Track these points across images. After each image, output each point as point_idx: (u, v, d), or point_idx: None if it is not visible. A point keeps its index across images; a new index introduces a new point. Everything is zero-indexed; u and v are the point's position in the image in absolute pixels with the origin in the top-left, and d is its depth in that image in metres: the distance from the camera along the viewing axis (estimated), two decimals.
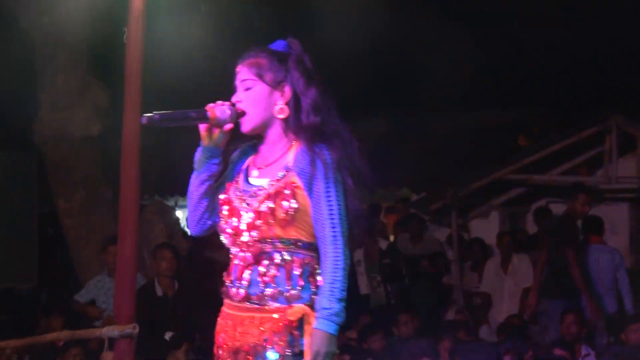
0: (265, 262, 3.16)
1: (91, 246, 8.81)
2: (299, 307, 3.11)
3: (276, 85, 3.21)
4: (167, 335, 7.13)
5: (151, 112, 3.22)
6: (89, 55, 9.11)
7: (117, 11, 6.17)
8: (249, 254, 3.18)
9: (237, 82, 3.26)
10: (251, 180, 3.24)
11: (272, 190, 3.16)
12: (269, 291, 3.14)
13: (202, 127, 3.23)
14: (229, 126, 3.22)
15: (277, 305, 3.13)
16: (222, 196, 3.25)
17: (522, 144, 12.26)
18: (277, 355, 3.11)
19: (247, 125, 3.23)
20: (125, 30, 5.54)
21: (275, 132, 3.23)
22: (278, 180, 3.17)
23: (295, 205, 3.13)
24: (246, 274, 3.18)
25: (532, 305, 8.35)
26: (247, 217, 3.17)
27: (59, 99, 9.16)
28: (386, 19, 10.35)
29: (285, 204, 3.13)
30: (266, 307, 3.14)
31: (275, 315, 3.13)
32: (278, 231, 3.14)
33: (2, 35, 9.16)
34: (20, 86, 9.71)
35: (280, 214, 3.13)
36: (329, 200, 3.11)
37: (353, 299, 9.21)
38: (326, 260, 3.10)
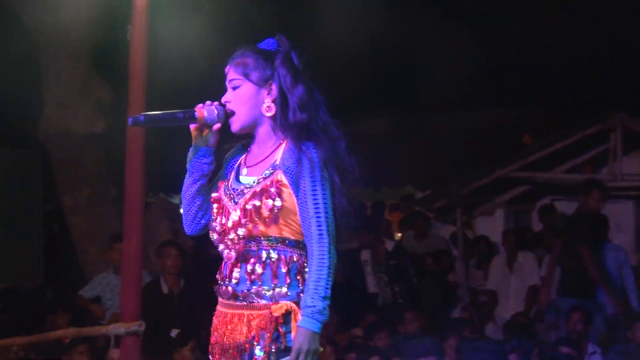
0: (252, 260, 3.18)
1: (96, 244, 8.82)
2: (283, 303, 3.13)
3: (263, 83, 3.22)
4: (174, 333, 7.14)
5: (151, 111, 3.25)
6: (93, 53, 9.12)
7: (121, 9, 6.17)
8: (235, 252, 3.20)
9: (227, 83, 3.29)
10: (241, 178, 3.26)
11: (258, 189, 3.17)
12: (255, 289, 3.17)
13: (192, 127, 3.26)
14: (217, 126, 3.24)
15: (264, 302, 3.16)
16: (213, 194, 3.28)
17: (526, 142, 12.26)
18: (262, 353, 3.14)
19: (235, 125, 3.25)
20: (129, 28, 5.55)
21: (264, 131, 3.25)
22: (264, 178, 3.18)
23: (279, 204, 3.14)
24: (235, 272, 3.20)
25: (544, 303, 8.33)
26: (234, 215, 3.20)
27: (63, 97, 9.17)
28: (386, 19, 10.35)
29: (269, 202, 3.14)
30: (253, 304, 3.17)
31: (262, 312, 3.15)
32: (264, 229, 3.16)
33: (6, 34, 9.16)
34: (24, 84, 9.71)
35: (265, 212, 3.14)
36: (315, 198, 3.12)
37: (361, 297, 9.21)
38: (312, 259, 3.11)
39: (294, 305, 3.12)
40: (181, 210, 3.41)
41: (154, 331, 6.33)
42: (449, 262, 10.05)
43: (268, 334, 3.13)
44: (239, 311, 3.19)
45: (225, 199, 3.23)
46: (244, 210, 3.17)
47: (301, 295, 3.13)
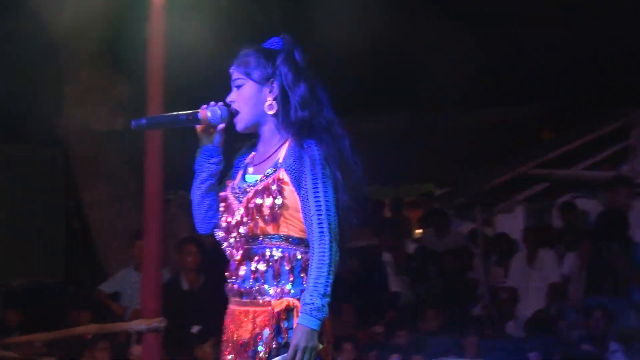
0: (256, 258, 3.20)
1: (116, 240, 8.85)
2: (285, 299, 3.15)
3: (264, 82, 3.24)
4: (195, 329, 7.16)
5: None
6: (112, 50, 9.15)
7: (139, 6, 6.18)
8: (240, 250, 3.23)
9: (232, 83, 3.31)
10: (247, 177, 3.28)
11: (260, 187, 3.20)
12: (258, 286, 3.19)
13: (198, 128, 3.29)
14: (221, 126, 3.27)
15: (267, 299, 3.18)
16: (221, 193, 3.31)
17: (546, 138, 12.21)
18: (262, 348, 3.16)
19: (240, 124, 3.28)
20: (147, 24, 5.56)
21: (268, 129, 3.27)
22: (267, 176, 3.20)
23: (279, 202, 3.15)
24: (240, 270, 3.23)
25: (577, 301, 8.29)
26: (237, 213, 3.23)
27: (83, 93, 9.20)
28: (402, 12, 10.35)
29: (269, 200, 3.16)
30: (257, 302, 3.19)
31: (265, 309, 3.17)
32: (266, 227, 3.18)
33: (25, 31, 9.21)
34: (44, 81, 9.76)
35: (266, 210, 3.16)
36: (317, 196, 3.13)
37: (382, 295, 9.18)
38: (313, 256, 3.12)
39: (296, 302, 3.13)
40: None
41: (174, 328, 6.34)
42: (469, 259, 10.04)
43: (270, 330, 3.15)
44: (245, 308, 3.22)
45: (231, 198, 3.26)
46: (246, 208, 3.20)
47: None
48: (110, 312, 7.87)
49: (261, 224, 3.17)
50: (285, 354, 3.10)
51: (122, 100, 9.20)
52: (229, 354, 3.27)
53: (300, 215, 3.16)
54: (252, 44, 3.31)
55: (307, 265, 3.17)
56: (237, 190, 3.26)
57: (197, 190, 3.33)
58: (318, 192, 3.12)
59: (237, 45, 3.35)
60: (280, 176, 3.18)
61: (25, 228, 9.18)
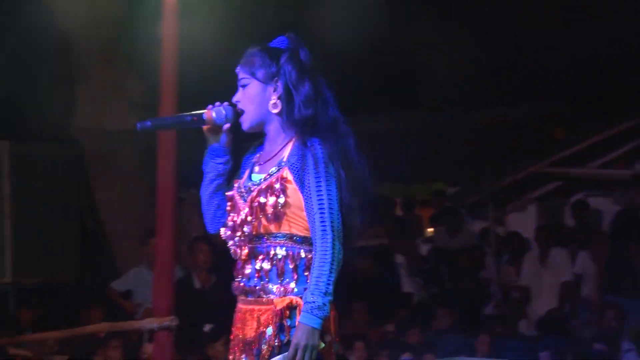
0: (261, 256, 3.21)
1: (130, 239, 8.88)
2: (287, 298, 3.16)
3: (269, 81, 3.24)
4: (207, 328, 7.17)
5: (153, 117, 3.31)
6: (125, 49, 9.17)
7: (153, 3, 6.20)
8: (245, 249, 3.24)
9: (238, 83, 3.32)
10: (253, 176, 3.29)
11: (263, 186, 3.20)
12: (263, 285, 3.20)
13: (205, 128, 3.31)
14: (226, 125, 3.28)
15: (271, 297, 3.19)
16: (228, 193, 3.32)
17: (559, 137, 12.19)
18: (265, 346, 3.17)
19: (245, 123, 3.29)
20: (161, 23, 5.57)
21: (273, 128, 3.27)
22: (271, 175, 3.21)
23: (282, 200, 3.16)
24: (246, 269, 3.24)
25: (596, 300, 8.28)
26: (242, 213, 3.24)
27: (96, 92, 9.24)
28: (414, 11, 10.36)
29: (272, 199, 3.17)
30: (262, 300, 3.21)
31: (269, 307, 3.18)
32: (270, 226, 3.19)
33: (39, 30, 9.24)
34: (58, 80, 9.80)
35: (269, 209, 3.17)
36: (319, 194, 3.13)
37: (394, 294, 9.17)
38: (315, 254, 3.13)
39: (299, 300, 3.13)
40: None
41: (186, 326, 6.36)
42: (481, 258, 10.03)
43: (273, 328, 3.16)
44: (250, 307, 3.23)
45: (237, 197, 3.27)
46: (250, 207, 3.21)
47: None
48: (122, 310, 7.90)
49: (265, 222, 3.18)
50: (286, 353, 3.10)
51: (135, 99, 9.23)
52: (236, 352, 3.28)
53: (304, 213, 3.16)
54: (258, 43, 3.32)
55: (311, 263, 3.17)
56: (242, 190, 3.27)
57: (205, 190, 3.34)
58: (321, 190, 3.12)
59: (250, 43, 3.36)
60: (284, 175, 3.18)
61: (38, 227, 9.20)
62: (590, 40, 10.89)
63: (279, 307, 3.15)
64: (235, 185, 3.32)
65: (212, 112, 3.28)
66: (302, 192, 3.16)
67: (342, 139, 3.22)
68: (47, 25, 9.23)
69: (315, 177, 3.14)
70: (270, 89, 3.25)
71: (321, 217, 3.11)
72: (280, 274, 3.18)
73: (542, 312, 8.91)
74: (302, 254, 3.18)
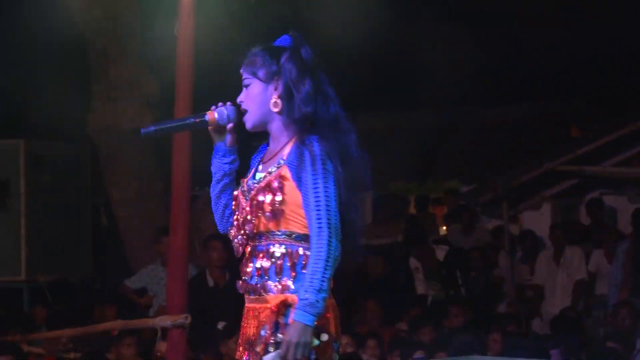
0: (261, 254, 3.22)
1: (144, 237, 8.90)
2: (282, 295, 3.16)
3: (269, 80, 3.26)
4: (220, 325, 7.19)
5: (158, 121, 3.33)
6: (140, 48, 9.19)
7: (169, 2, 6.21)
8: (247, 248, 3.25)
9: (242, 83, 3.34)
10: (257, 175, 3.31)
11: (262, 184, 3.22)
12: (263, 283, 3.21)
13: (210, 129, 3.33)
14: (230, 125, 3.30)
15: (270, 295, 3.20)
16: (234, 192, 3.34)
17: (574, 135, 12.15)
18: (261, 344, 3.19)
19: (248, 123, 3.30)
20: (176, 23, 5.58)
21: (276, 127, 3.28)
22: (270, 174, 3.23)
23: (279, 198, 3.17)
24: (248, 267, 3.26)
25: (624, 299, 8.24)
26: (244, 211, 3.25)
27: (111, 91, 9.27)
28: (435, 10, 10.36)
29: (269, 197, 3.19)
30: (262, 298, 3.22)
31: (267, 305, 3.19)
32: (269, 224, 3.20)
33: (53, 27, 9.28)
34: (73, 79, 9.83)
35: (268, 207, 3.18)
36: (316, 192, 3.13)
37: (407, 294, 9.10)
38: (311, 251, 3.13)
39: (294, 298, 3.13)
40: None
41: (200, 324, 6.37)
42: (495, 256, 10.01)
43: (268, 326, 3.18)
44: (252, 305, 3.25)
45: (241, 196, 3.29)
46: (250, 206, 3.23)
47: None
48: (136, 307, 7.92)
49: (264, 221, 3.19)
50: (280, 350, 3.11)
51: (150, 98, 9.26)
52: (242, 350, 3.29)
53: (303, 211, 3.17)
54: (260, 43, 3.33)
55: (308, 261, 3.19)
56: (245, 189, 3.29)
57: (213, 191, 3.36)
58: (318, 187, 3.13)
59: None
60: (282, 173, 3.19)
61: (52, 225, 9.24)
62: (606, 38, 10.86)
63: (271, 305, 3.16)
64: (242, 184, 3.34)
65: (214, 113, 3.30)
66: (300, 190, 3.17)
67: (343, 136, 3.22)
68: (62, 25, 9.26)
69: (312, 175, 3.14)
70: (272, 88, 3.26)
71: (318, 214, 3.12)
72: (279, 272, 3.19)
73: (555, 311, 8.88)
74: (301, 252, 3.18)
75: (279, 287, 3.18)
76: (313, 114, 3.20)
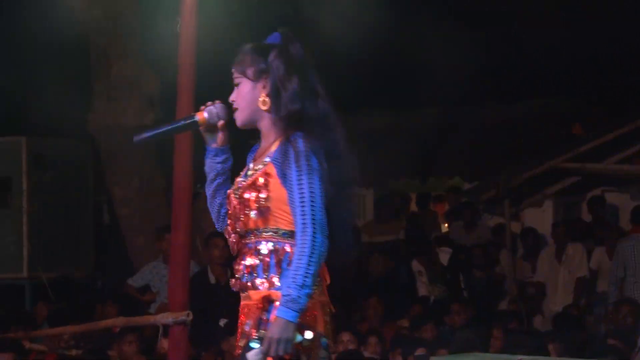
0: (250, 252, 3.24)
1: (145, 234, 8.92)
2: (263, 291, 3.19)
3: (258, 78, 3.28)
4: (222, 322, 7.20)
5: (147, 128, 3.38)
6: (142, 45, 9.20)
7: (169, 1, 6.21)
8: (238, 245, 3.28)
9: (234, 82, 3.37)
10: (248, 172, 3.33)
11: (249, 182, 3.25)
12: (252, 280, 3.23)
13: (201, 129, 3.35)
14: (221, 123, 3.32)
15: (253, 292, 3.22)
16: (228, 191, 3.36)
17: (576, 133, 12.15)
18: (244, 339, 3.21)
19: (238, 121, 3.33)
20: (179, 20, 5.58)
21: (265, 125, 3.30)
22: (256, 171, 3.25)
23: (263, 196, 3.19)
24: (240, 265, 3.28)
25: (627, 298, 8.25)
26: (235, 209, 3.28)
27: (113, 89, 9.28)
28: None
29: (254, 194, 3.21)
30: (250, 295, 3.24)
31: (252, 302, 3.22)
32: (256, 221, 3.22)
33: (55, 25, 9.29)
34: (75, 77, 9.84)
35: (253, 205, 3.20)
36: (300, 188, 3.14)
37: (408, 293, 9.07)
38: (296, 247, 3.15)
39: (278, 294, 3.14)
40: None
41: (202, 321, 6.39)
42: (496, 253, 10.02)
43: (252, 321, 3.20)
44: (245, 302, 3.28)
45: (232, 195, 3.32)
46: (239, 204, 3.25)
47: None
48: (137, 304, 7.93)
49: (252, 218, 3.22)
50: (262, 347, 3.12)
51: (152, 95, 9.26)
52: (238, 346, 3.32)
53: (289, 208, 3.19)
54: (249, 42, 3.35)
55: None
56: (236, 187, 3.32)
57: (208, 190, 3.39)
58: (302, 184, 3.14)
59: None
60: (268, 170, 3.22)
61: (54, 222, 9.26)
62: (608, 37, 10.86)
63: (254, 301, 3.19)
64: (235, 182, 3.37)
65: (204, 113, 3.32)
66: (285, 186, 3.18)
67: (331, 133, 3.23)
68: (63, 24, 9.27)
69: (297, 171, 3.16)
70: (260, 86, 3.28)
71: (302, 210, 3.13)
72: (266, 269, 3.21)
73: (557, 308, 8.89)
74: (288, 248, 3.20)
75: (266, 284, 3.20)
76: (299, 111, 3.21)
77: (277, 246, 3.21)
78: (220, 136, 3.35)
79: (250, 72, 3.28)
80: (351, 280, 9.08)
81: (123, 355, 6.62)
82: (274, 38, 3.33)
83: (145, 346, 6.71)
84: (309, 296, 3.09)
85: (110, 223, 10.38)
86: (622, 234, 9.41)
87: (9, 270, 9.03)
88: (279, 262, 3.19)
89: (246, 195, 3.23)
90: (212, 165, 3.37)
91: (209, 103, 3.34)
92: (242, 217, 3.24)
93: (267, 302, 3.18)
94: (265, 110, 3.27)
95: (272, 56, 3.27)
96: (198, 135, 5.76)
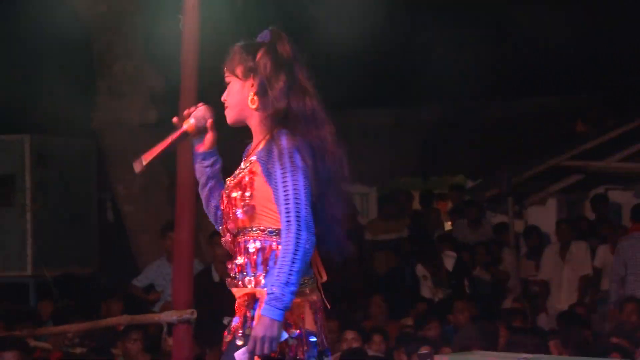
0: (240, 251, 3.24)
1: (149, 232, 8.92)
2: (247, 289, 3.19)
3: (246, 77, 3.27)
4: (226, 320, 7.19)
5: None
6: (145, 43, 9.20)
7: None
8: (230, 244, 3.28)
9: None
10: (237, 171, 3.33)
11: (236, 181, 3.25)
12: (242, 279, 3.23)
13: (193, 136, 3.34)
14: (209, 121, 3.32)
15: (240, 289, 3.22)
16: (222, 191, 3.36)
17: (579, 130, 12.14)
18: (229, 334, 3.23)
19: (228, 119, 3.33)
20: (181, 17, 5.58)
21: (254, 123, 3.30)
22: (243, 170, 3.25)
23: (248, 194, 3.19)
24: (231, 263, 3.29)
25: (631, 296, 8.24)
26: (225, 209, 3.28)
27: (116, 86, 9.28)
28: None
29: (239, 193, 3.21)
30: (234, 293, 3.25)
31: (240, 300, 3.23)
32: (244, 220, 3.22)
33: (59, 23, 9.29)
34: (77, 74, 9.84)
35: (239, 203, 3.20)
36: (285, 186, 3.13)
37: (411, 292, 9.02)
38: (281, 245, 3.14)
39: (263, 292, 3.13)
40: None
41: (206, 319, 6.38)
42: (500, 251, 10.01)
43: (239, 319, 3.21)
44: (237, 301, 3.28)
45: (224, 195, 3.32)
46: (228, 203, 3.26)
47: None
48: (142, 302, 7.93)
49: (239, 217, 3.21)
50: (248, 346, 3.12)
51: (155, 93, 9.26)
52: (224, 342, 3.33)
53: (275, 206, 3.18)
54: (240, 41, 3.34)
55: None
56: (226, 186, 3.32)
57: (202, 195, 3.38)
58: (286, 182, 3.13)
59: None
60: (253, 169, 3.21)
61: (58, 220, 9.27)
62: (612, 35, 10.86)
63: (237, 295, 3.20)
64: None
65: (190, 119, 3.32)
66: (270, 184, 3.18)
67: (319, 129, 3.22)
68: (67, 20, 9.27)
69: (280, 169, 3.15)
70: (249, 84, 3.28)
71: (286, 207, 3.12)
72: (254, 267, 3.21)
73: (561, 306, 8.88)
74: (274, 247, 3.19)
75: (253, 282, 3.20)
76: (285, 109, 3.21)
77: (264, 244, 3.20)
78: (209, 138, 3.34)
79: (239, 70, 3.28)
80: (355, 278, 9.08)
81: (127, 353, 6.62)
82: (264, 36, 3.32)
83: (149, 344, 6.71)
84: (294, 293, 3.08)
85: (114, 220, 10.38)
86: (626, 232, 9.40)
87: (13, 268, 9.03)
88: (265, 260, 3.19)
89: (233, 194, 3.23)
90: (201, 169, 3.36)
91: (192, 108, 3.34)
92: (232, 216, 3.24)
93: (252, 299, 3.18)
94: (254, 109, 3.27)
95: (259, 54, 3.26)
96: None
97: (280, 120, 3.20)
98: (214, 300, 7.33)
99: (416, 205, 11.91)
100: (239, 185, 3.22)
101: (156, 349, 6.73)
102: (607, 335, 7.39)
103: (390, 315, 8.14)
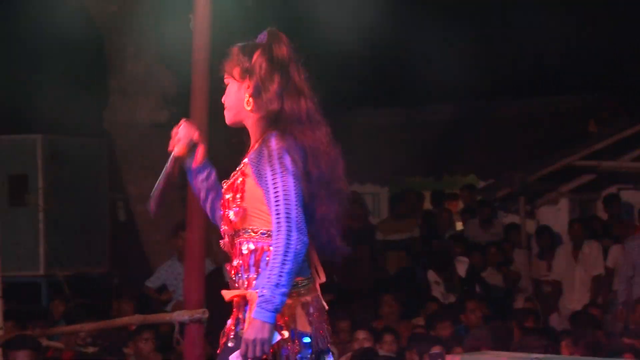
0: (236, 252, 3.24)
1: (161, 232, 8.93)
2: (236, 291, 3.19)
3: (243, 78, 3.27)
4: None
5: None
6: (156, 43, 9.21)
7: None
8: (228, 246, 3.28)
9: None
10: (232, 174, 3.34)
11: (230, 183, 3.25)
12: (237, 280, 3.23)
13: (186, 156, 3.35)
14: (196, 135, 3.34)
15: (228, 292, 3.23)
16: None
17: (592, 130, 12.11)
18: (222, 335, 3.24)
19: (227, 120, 3.33)
20: (192, 17, 5.59)
21: (250, 124, 3.30)
22: (236, 172, 3.25)
23: (239, 195, 3.19)
24: (229, 265, 3.29)
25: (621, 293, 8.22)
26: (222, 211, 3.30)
27: (128, 86, 9.29)
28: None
29: (231, 195, 3.21)
30: (223, 295, 3.25)
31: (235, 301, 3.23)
32: (238, 222, 3.21)
33: (70, 23, 9.32)
34: (89, 74, 9.87)
35: (232, 205, 3.21)
36: (275, 187, 3.12)
37: (425, 290, 8.97)
38: (272, 247, 3.13)
39: (254, 294, 3.12)
40: None
41: (217, 319, 6.38)
42: (511, 251, 9.99)
43: (232, 320, 3.21)
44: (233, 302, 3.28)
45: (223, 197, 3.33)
46: (223, 205, 3.27)
47: None
48: (155, 303, 7.95)
49: (233, 219, 3.21)
50: (240, 349, 3.11)
51: (166, 92, 9.28)
52: (220, 344, 3.33)
53: (266, 207, 3.17)
54: (238, 42, 3.34)
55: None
56: (223, 189, 3.33)
57: (206, 209, 3.38)
58: (276, 184, 3.12)
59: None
60: (245, 171, 3.21)
61: (70, 219, 9.29)
62: (624, 34, 10.82)
63: (226, 297, 3.20)
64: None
65: (176, 138, 3.34)
66: (261, 186, 3.17)
67: (314, 130, 3.21)
68: (79, 20, 9.29)
69: (270, 170, 3.14)
70: (245, 86, 3.27)
71: (276, 209, 3.11)
72: (247, 269, 3.20)
73: (573, 306, 8.86)
74: (266, 248, 3.18)
75: (245, 284, 3.20)
76: (279, 111, 3.20)
77: (257, 246, 3.19)
78: (199, 151, 3.35)
79: (236, 72, 3.28)
80: (366, 278, 9.07)
81: (139, 352, 6.63)
82: (261, 37, 3.32)
83: (161, 343, 6.72)
84: (286, 295, 3.07)
85: (126, 220, 10.40)
86: (636, 232, 9.37)
87: (25, 267, 9.05)
88: (257, 262, 3.18)
89: (226, 196, 3.24)
90: (198, 185, 3.36)
91: (174, 130, 3.35)
92: (226, 217, 3.24)
93: (244, 301, 3.17)
94: (250, 110, 3.26)
95: (255, 55, 3.26)
96: (213, 128, 5.78)
97: (273, 121, 3.20)
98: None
99: (427, 205, 11.89)
100: (232, 187, 3.23)
101: (168, 348, 6.74)
102: (619, 336, 7.37)
103: (402, 315, 8.13)
